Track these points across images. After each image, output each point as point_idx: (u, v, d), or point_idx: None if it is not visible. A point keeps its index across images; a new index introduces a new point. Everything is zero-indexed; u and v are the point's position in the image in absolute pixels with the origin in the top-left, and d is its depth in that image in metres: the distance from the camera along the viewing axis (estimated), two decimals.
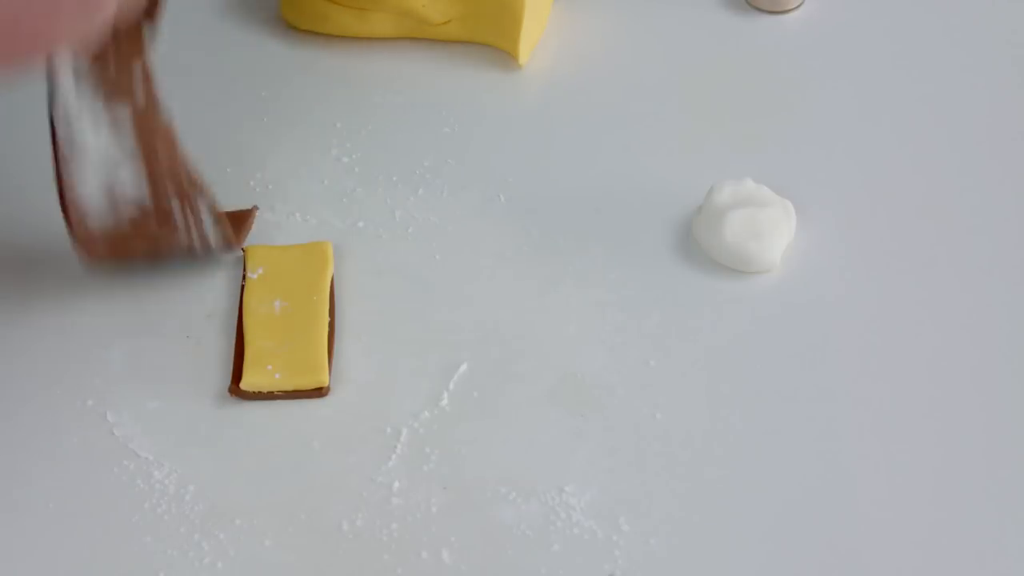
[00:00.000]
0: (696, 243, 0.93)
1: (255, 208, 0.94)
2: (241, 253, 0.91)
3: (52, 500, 0.81)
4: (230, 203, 0.96)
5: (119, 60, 0.84)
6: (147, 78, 0.84)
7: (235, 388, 0.85)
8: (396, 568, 0.78)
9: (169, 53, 0.86)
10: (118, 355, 0.88)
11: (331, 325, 0.88)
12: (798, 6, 1.10)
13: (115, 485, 0.82)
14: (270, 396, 0.85)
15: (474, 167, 0.98)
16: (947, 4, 1.10)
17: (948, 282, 0.92)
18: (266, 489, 0.82)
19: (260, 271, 0.90)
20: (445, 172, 0.98)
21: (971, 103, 1.03)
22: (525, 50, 1.05)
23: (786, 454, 0.83)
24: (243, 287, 0.90)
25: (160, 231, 0.88)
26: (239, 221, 0.92)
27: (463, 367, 0.87)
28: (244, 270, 0.91)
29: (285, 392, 0.85)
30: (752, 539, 0.80)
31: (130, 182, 0.86)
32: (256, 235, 0.94)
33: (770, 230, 0.92)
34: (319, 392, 0.85)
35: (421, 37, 1.07)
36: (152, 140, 0.85)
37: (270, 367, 0.86)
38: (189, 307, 0.90)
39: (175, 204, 0.87)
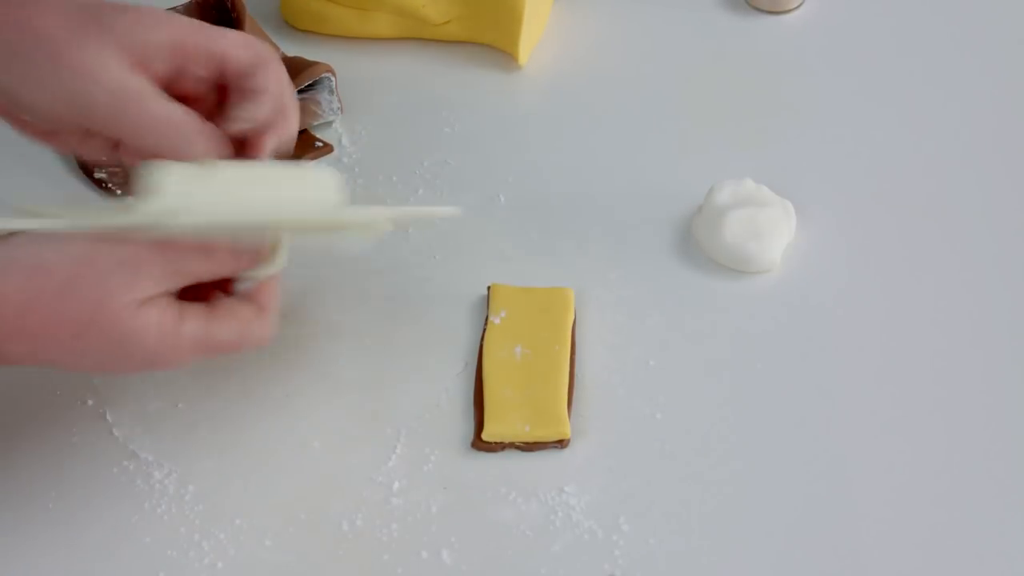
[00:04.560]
0: (696, 243, 0.93)
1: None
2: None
3: (52, 500, 0.81)
4: None
5: None
6: None
7: (478, 442, 0.83)
8: (396, 568, 0.78)
9: None
10: None
11: (571, 375, 0.86)
12: (798, 6, 1.10)
13: (115, 485, 0.82)
14: (510, 447, 0.83)
15: (474, 167, 0.98)
16: (947, 4, 1.10)
17: (948, 281, 0.92)
18: (266, 489, 0.82)
19: (503, 314, 0.88)
20: (445, 172, 0.98)
21: (971, 103, 1.03)
22: (525, 50, 1.05)
23: (786, 454, 0.83)
24: (485, 330, 0.88)
25: None
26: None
27: (462, 367, 0.87)
28: (487, 312, 0.88)
29: (525, 444, 0.83)
30: (752, 539, 0.80)
31: None
32: None
33: (770, 230, 0.92)
34: (560, 444, 0.84)
35: (421, 37, 1.07)
36: None
37: (513, 417, 0.84)
38: None
39: None
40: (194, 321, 0.75)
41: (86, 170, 0.97)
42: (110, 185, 0.96)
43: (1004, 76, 1.05)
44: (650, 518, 0.80)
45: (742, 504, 0.81)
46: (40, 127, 0.81)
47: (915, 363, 0.88)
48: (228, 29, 0.80)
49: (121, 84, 0.76)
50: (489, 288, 0.90)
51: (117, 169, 0.97)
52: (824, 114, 1.02)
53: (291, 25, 1.08)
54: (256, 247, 0.77)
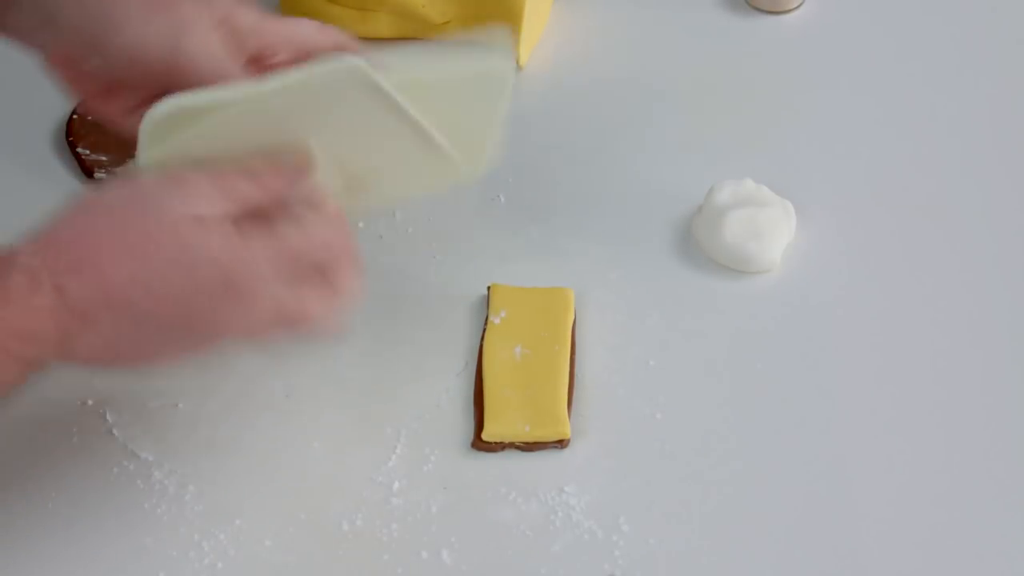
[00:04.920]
0: (696, 243, 0.93)
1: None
2: None
3: (52, 500, 0.81)
4: None
5: None
6: None
7: (478, 442, 0.83)
8: (396, 568, 0.78)
9: None
10: None
11: (571, 375, 0.86)
12: (798, 6, 1.10)
13: (115, 485, 0.82)
14: (510, 447, 0.84)
15: None
16: (946, 4, 1.10)
17: (948, 281, 0.92)
18: (266, 489, 0.82)
19: (503, 314, 0.88)
20: None
21: (971, 103, 1.03)
22: (525, 50, 1.05)
23: (786, 453, 0.83)
24: (485, 330, 0.88)
25: None
26: None
27: (462, 366, 0.87)
28: (487, 312, 0.88)
29: (525, 444, 0.83)
30: (752, 539, 0.80)
31: None
32: None
33: (770, 230, 0.92)
34: (560, 444, 0.84)
35: (421, 37, 1.07)
36: None
37: (513, 417, 0.84)
38: None
39: None
40: (257, 229, 0.73)
41: (86, 170, 0.97)
42: None
43: (1004, 76, 1.05)
44: (650, 518, 0.80)
45: (742, 504, 0.81)
46: (98, 85, 0.81)
47: (915, 363, 0.88)
48: (301, 18, 0.82)
49: (209, 42, 0.79)
50: (489, 288, 0.90)
51: (117, 169, 0.97)
52: (824, 114, 1.02)
53: None
54: (294, 161, 0.75)
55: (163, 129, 0.76)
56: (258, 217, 0.73)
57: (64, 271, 0.70)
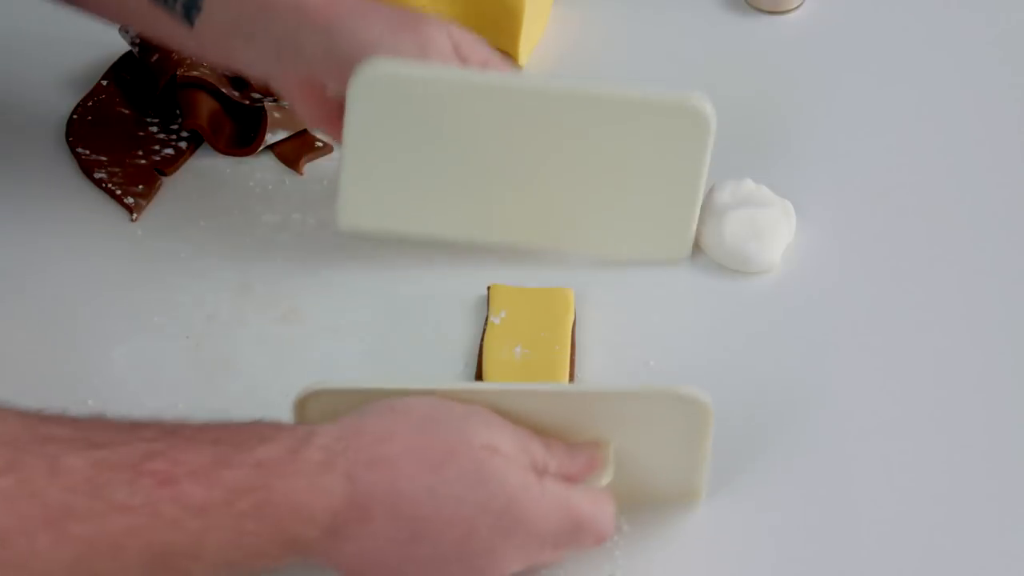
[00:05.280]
0: (696, 243, 0.93)
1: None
2: None
3: None
4: (230, 201, 0.96)
5: None
6: None
7: None
8: None
9: None
10: (118, 355, 0.88)
11: (571, 375, 0.86)
12: (798, 6, 1.09)
13: None
14: None
15: None
16: (946, 5, 1.10)
17: (947, 281, 0.92)
18: None
19: (503, 315, 0.88)
20: None
21: (971, 103, 1.03)
22: (525, 50, 1.05)
23: (785, 453, 0.83)
24: (485, 330, 0.88)
25: None
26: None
27: (461, 366, 0.87)
28: (487, 312, 0.88)
29: None
30: (752, 539, 0.80)
31: None
32: (256, 234, 0.94)
33: (770, 230, 0.92)
34: None
35: None
36: None
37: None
38: (189, 309, 0.90)
39: None
40: (553, 482, 0.73)
41: (86, 170, 0.97)
42: (110, 185, 0.96)
43: (1003, 77, 1.05)
44: (650, 518, 0.80)
45: (742, 504, 0.81)
46: (338, 109, 0.86)
47: (915, 363, 0.88)
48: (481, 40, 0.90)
49: (450, 57, 0.86)
50: (489, 288, 0.89)
51: (116, 170, 0.97)
52: (824, 114, 1.02)
53: None
54: (590, 454, 0.75)
55: (373, 92, 0.83)
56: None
57: (360, 462, 0.69)
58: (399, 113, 0.85)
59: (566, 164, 0.87)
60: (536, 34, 1.06)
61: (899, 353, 0.88)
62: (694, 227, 0.90)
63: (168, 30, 0.89)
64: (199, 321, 0.90)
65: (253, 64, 0.89)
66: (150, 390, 0.86)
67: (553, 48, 1.07)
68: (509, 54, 1.05)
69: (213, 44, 0.89)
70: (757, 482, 0.82)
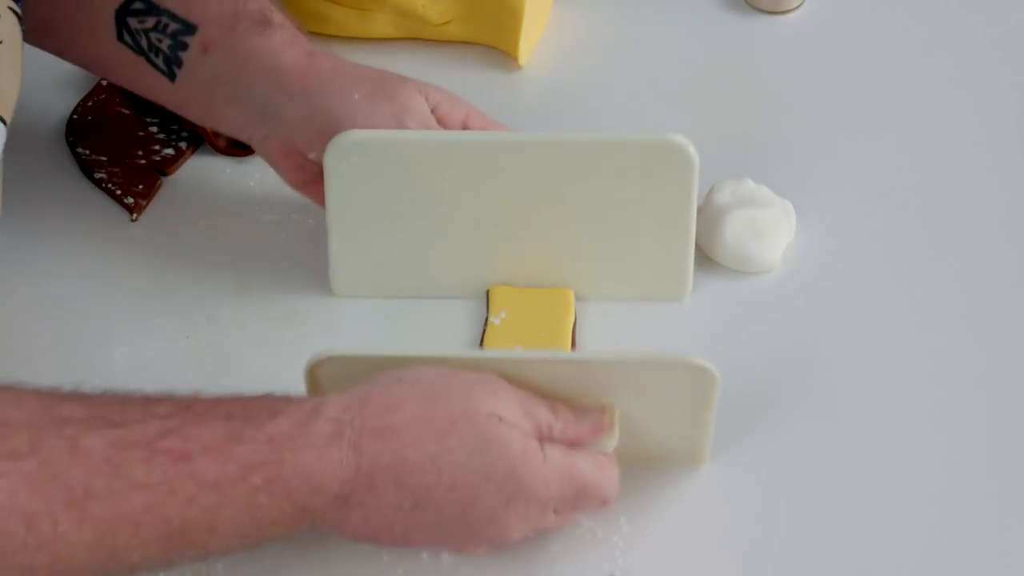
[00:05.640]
0: (696, 243, 0.93)
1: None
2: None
3: None
4: (230, 201, 0.96)
5: None
6: None
7: None
8: (396, 568, 0.78)
9: None
10: (118, 355, 0.88)
11: None
12: (798, 6, 1.09)
13: None
14: None
15: None
16: (946, 5, 1.10)
17: (947, 281, 0.92)
18: None
19: (503, 315, 0.88)
20: None
21: (970, 103, 1.03)
22: (525, 50, 1.05)
23: (786, 453, 0.83)
24: (484, 330, 0.88)
25: None
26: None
27: None
28: (487, 312, 0.88)
29: None
30: (752, 539, 0.80)
31: None
32: (256, 233, 0.94)
33: (770, 230, 0.92)
34: None
35: (421, 37, 1.07)
36: None
37: None
38: (189, 309, 0.90)
39: None
40: (555, 449, 0.74)
41: (86, 170, 0.97)
42: (110, 185, 0.96)
43: (1003, 77, 1.05)
44: (650, 518, 0.80)
45: (742, 504, 0.81)
46: (316, 173, 0.86)
47: (915, 363, 0.88)
48: (463, 101, 0.90)
49: (429, 122, 0.87)
50: (489, 289, 0.89)
51: (116, 170, 0.97)
52: (824, 114, 1.02)
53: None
54: (596, 418, 0.76)
55: (350, 162, 0.83)
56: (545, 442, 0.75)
57: (366, 432, 0.71)
58: (378, 178, 0.85)
59: (554, 213, 0.87)
60: (536, 34, 1.07)
61: (899, 353, 0.88)
62: (691, 264, 0.89)
63: (151, 83, 0.90)
64: (199, 321, 0.90)
65: (235, 125, 0.89)
66: (150, 390, 0.86)
67: (553, 48, 1.07)
68: (509, 54, 1.05)
69: (196, 101, 0.90)
70: (756, 482, 0.82)
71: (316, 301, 0.91)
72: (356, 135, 0.84)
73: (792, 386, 0.86)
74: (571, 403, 0.76)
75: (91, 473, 0.65)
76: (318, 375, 0.76)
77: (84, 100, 1.01)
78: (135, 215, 0.95)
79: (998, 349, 0.88)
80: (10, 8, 0.78)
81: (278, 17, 0.89)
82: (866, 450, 0.83)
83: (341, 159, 0.84)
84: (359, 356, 0.76)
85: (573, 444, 0.75)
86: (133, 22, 0.87)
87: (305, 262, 0.92)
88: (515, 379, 0.75)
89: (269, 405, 0.71)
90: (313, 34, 1.06)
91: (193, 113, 0.92)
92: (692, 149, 0.84)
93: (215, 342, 0.88)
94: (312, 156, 0.87)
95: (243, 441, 0.69)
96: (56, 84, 1.01)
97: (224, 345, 0.88)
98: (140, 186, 0.96)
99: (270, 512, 0.69)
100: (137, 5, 0.87)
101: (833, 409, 0.85)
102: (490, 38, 1.06)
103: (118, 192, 0.96)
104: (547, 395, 0.76)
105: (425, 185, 0.85)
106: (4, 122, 0.79)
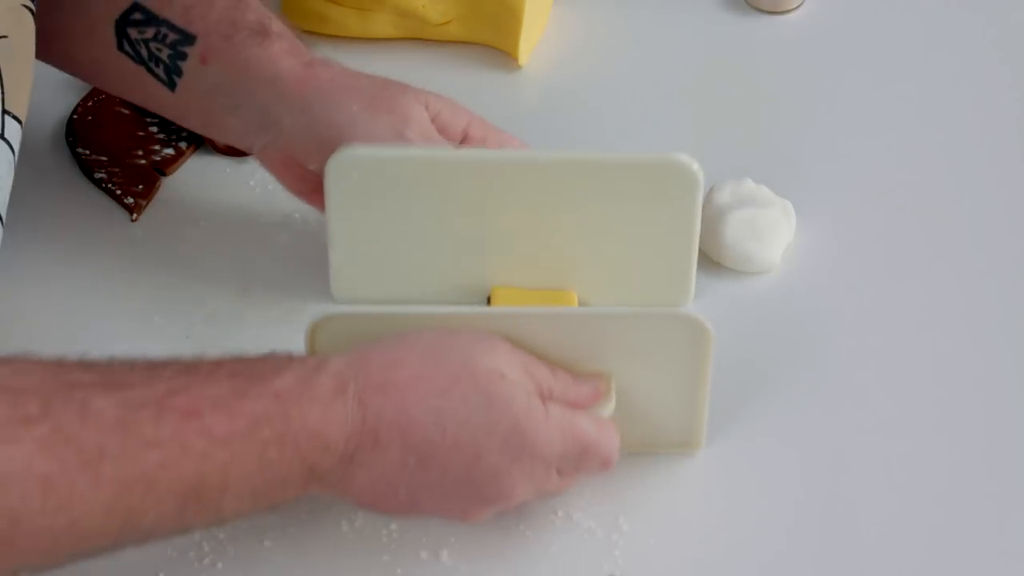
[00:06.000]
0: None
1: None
2: None
3: None
4: (230, 201, 0.96)
5: None
6: None
7: None
8: (396, 568, 0.78)
9: None
10: (118, 354, 0.88)
11: None
12: (798, 6, 1.10)
13: None
14: None
15: None
16: (946, 5, 1.10)
17: (947, 281, 0.92)
18: None
19: None
20: None
21: (970, 103, 1.03)
22: (525, 50, 1.05)
23: (786, 453, 0.83)
24: None
25: None
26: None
27: None
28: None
29: None
30: (752, 539, 0.80)
31: None
32: (256, 233, 0.94)
33: (770, 230, 0.92)
34: None
35: (421, 37, 1.07)
36: None
37: None
38: (189, 309, 0.90)
39: None
40: (557, 407, 0.75)
41: (86, 170, 0.97)
42: (110, 185, 0.96)
43: (1003, 77, 1.05)
44: (650, 518, 0.80)
45: (742, 504, 0.81)
46: (317, 183, 0.85)
47: (915, 363, 0.88)
48: (466, 109, 0.89)
49: (430, 133, 0.86)
50: (491, 292, 0.89)
51: (116, 170, 0.97)
52: (824, 114, 1.02)
53: (291, 25, 1.08)
54: (595, 384, 0.77)
55: (351, 175, 0.82)
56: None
57: (370, 388, 0.71)
58: (379, 192, 0.84)
59: (557, 229, 0.86)
60: (536, 34, 1.07)
61: (899, 353, 0.88)
62: (693, 277, 0.88)
63: (151, 93, 0.90)
64: (199, 321, 0.90)
65: (235, 134, 0.89)
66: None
67: (553, 48, 1.07)
68: (509, 54, 1.05)
69: (195, 111, 0.90)
70: (756, 482, 0.82)
71: (316, 301, 0.91)
72: (357, 151, 0.83)
73: (792, 386, 0.86)
74: (570, 369, 0.77)
75: (103, 434, 0.65)
76: (319, 335, 0.76)
77: (84, 100, 1.01)
78: (135, 215, 0.95)
79: (998, 349, 0.88)
80: (25, 6, 0.78)
81: (277, 26, 0.88)
82: (866, 450, 0.83)
83: (342, 175, 0.83)
84: (361, 315, 0.77)
85: (572, 407, 0.75)
86: (133, 32, 0.87)
87: (305, 262, 0.92)
88: (514, 339, 0.76)
89: (273, 363, 0.72)
90: (313, 34, 1.07)
91: (193, 123, 0.92)
92: (696, 167, 0.83)
93: (215, 342, 0.88)
94: (312, 167, 0.87)
95: (250, 397, 0.69)
96: (56, 84, 1.01)
97: (224, 345, 0.87)
98: (140, 186, 0.96)
99: (280, 469, 0.69)
100: (137, 16, 0.87)
101: (833, 408, 0.85)
102: (490, 38, 1.06)
103: (118, 192, 0.96)
104: (544, 358, 0.76)
105: (427, 201, 0.84)
106: (19, 121, 0.79)
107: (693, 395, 0.79)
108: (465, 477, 0.73)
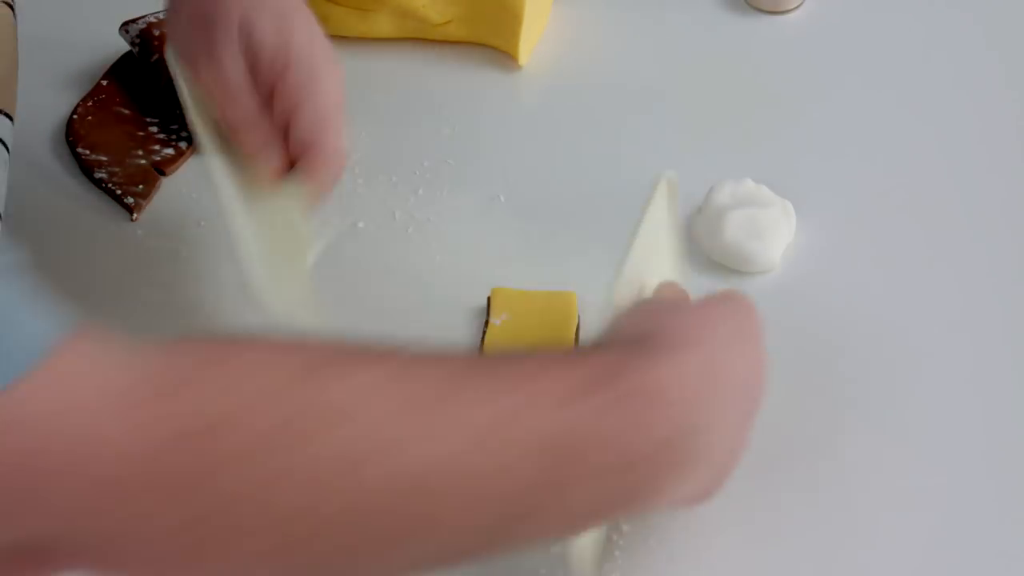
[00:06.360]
0: (696, 243, 0.93)
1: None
2: None
3: None
4: None
5: None
6: None
7: None
8: None
9: None
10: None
11: None
12: (798, 6, 1.10)
13: None
14: None
15: (474, 167, 0.98)
16: (946, 5, 1.10)
17: (947, 281, 0.92)
18: None
19: (504, 317, 0.88)
20: (445, 172, 0.98)
21: (970, 103, 1.03)
22: (525, 50, 1.05)
23: (786, 453, 0.83)
24: (484, 331, 0.87)
25: None
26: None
27: None
28: (488, 314, 0.88)
29: None
30: (752, 539, 0.80)
31: None
32: None
33: (770, 230, 0.92)
34: None
35: (421, 37, 1.07)
36: None
37: None
38: (189, 309, 0.90)
39: None
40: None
41: (86, 170, 0.97)
42: (110, 185, 0.96)
43: (1003, 76, 1.05)
44: (650, 519, 0.80)
45: (742, 504, 0.81)
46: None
47: (915, 363, 0.88)
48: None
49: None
50: (491, 293, 0.89)
51: (116, 170, 0.97)
52: (824, 114, 1.02)
53: None
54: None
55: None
56: None
57: (665, 347, 0.68)
58: None
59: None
60: (536, 34, 1.07)
61: (899, 353, 0.88)
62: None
63: None
64: (199, 321, 0.90)
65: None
66: None
67: (553, 48, 1.07)
68: (509, 54, 1.05)
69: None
70: (757, 482, 0.82)
71: (315, 301, 0.91)
72: None
73: (791, 386, 0.86)
74: None
75: (445, 382, 0.61)
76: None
77: (84, 100, 1.01)
78: (135, 215, 0.95)
79: (998, 349, 0.88)
80: (4, 2, 0.78)
81: None
82: (866, 450, 0.83)
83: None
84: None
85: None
86: None
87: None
88: None
89: (559, 355, 0.67)
90: None
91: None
92: (670, 175, 0.82)
93: None
94: None
95: (574, 367, 0.64)
96: (56, 84, 1.01)
97: None
98: (140, 186, 0.96)
99: (623, 439, 0.64)
100: None
101: (833, 408, 0.85)
102: (490, 38, 1.06)
103: (118, 192, 0.96)
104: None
105: None
106: (10, 118, 0.79)
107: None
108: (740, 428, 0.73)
